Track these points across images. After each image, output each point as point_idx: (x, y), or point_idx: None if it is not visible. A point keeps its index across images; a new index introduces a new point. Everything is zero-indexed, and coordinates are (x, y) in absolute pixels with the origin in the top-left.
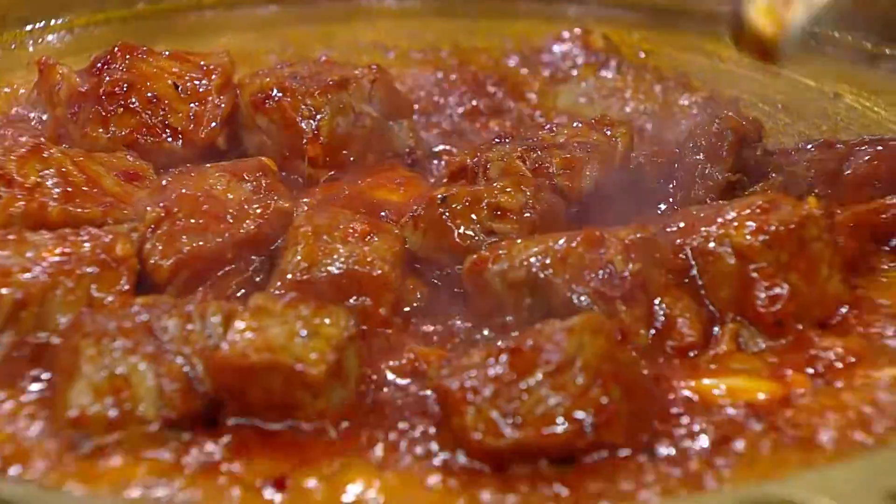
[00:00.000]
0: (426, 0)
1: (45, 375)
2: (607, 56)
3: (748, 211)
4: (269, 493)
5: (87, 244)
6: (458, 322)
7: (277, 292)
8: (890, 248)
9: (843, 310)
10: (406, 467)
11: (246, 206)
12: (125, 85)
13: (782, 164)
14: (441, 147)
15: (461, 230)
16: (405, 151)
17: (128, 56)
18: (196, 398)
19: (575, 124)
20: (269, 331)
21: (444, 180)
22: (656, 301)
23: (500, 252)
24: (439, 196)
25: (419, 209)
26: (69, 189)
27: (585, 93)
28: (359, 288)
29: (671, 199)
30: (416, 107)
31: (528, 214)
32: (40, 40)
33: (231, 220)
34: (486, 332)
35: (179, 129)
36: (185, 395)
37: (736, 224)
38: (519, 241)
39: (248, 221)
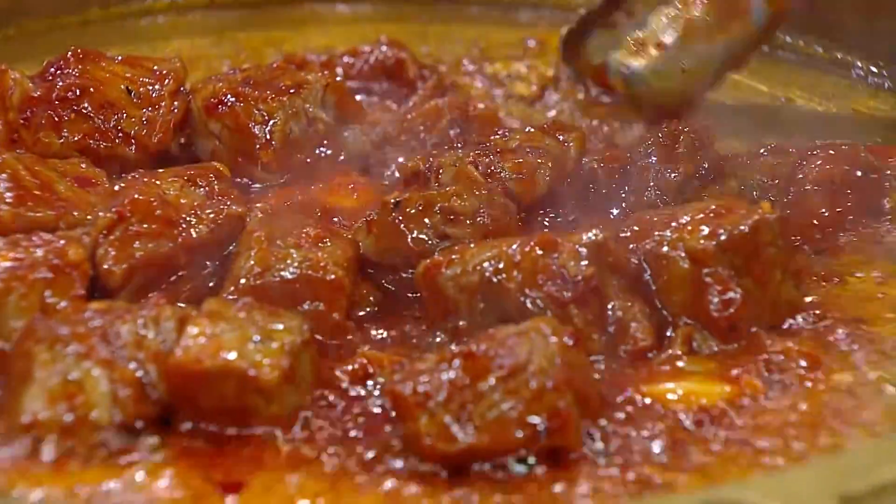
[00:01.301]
0: (378, 5)
1: None
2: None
3: (702, 215)
4: (221, 498)
5: (39, 249)
6: (411, 326)
7: (231, 297)
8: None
9: (797, 314)
10: (360, 473)
11: (199, 211)
12: (78, 90)
13: (735, 169)
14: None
15: (414, 234)
16: (358, 156)
17: (81, 61)
18: (149, 403)
19: (527, 129)
20: (222, 336)
21: (398, 185)
22: (609, 305)
23: (454, 257)
24: (392, 200)
25: (372, 214)
26: (21, 193)
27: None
28: (312, 293)
29: (624, 204)
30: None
31: (480, 219)
32: None
33: (184, 225)
34: (439, 337)
35: (132, 134)
36: (139, 400)
37: (689, 228)
38: (472, 245)
39: (201, 226)
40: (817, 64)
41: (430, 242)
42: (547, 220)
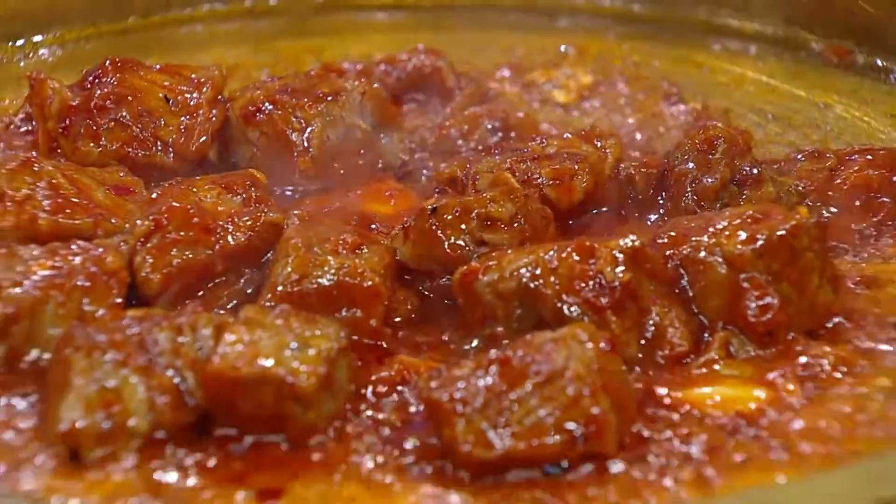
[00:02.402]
0: (416, 13)
1: (36, 389)
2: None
3: (739, 220)
4: (263, 501)
5: (77, 257)
6: (449, 333)
7: (268, 304)
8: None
9: (835, 319)
10: (397, 479)
11: (236, 219)
12: (116, 99)
13: (773, 174)
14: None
15: (451, 241)
16: (396, 164)
17: (119, 70)
18: (187, 410)
19: (565, 136)
20: (259, 343)
21: (435, 192)
22: (647, 310)
23: (491, 263)
24: (429, 207)
25: (409, 220)
26: (60, 201)
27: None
28: (349, 300)
29: (661, 210)
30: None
31: (517, 225)
32: (31, 55)
33: (221, 233)
34: (476, 343)
35: (170, 142)
36: (176, 407)
37: (727, 233)
38: (509, 251)
39: (238, 234)
40: (856, 69)
41: (467, 249)
42: (584, 226)
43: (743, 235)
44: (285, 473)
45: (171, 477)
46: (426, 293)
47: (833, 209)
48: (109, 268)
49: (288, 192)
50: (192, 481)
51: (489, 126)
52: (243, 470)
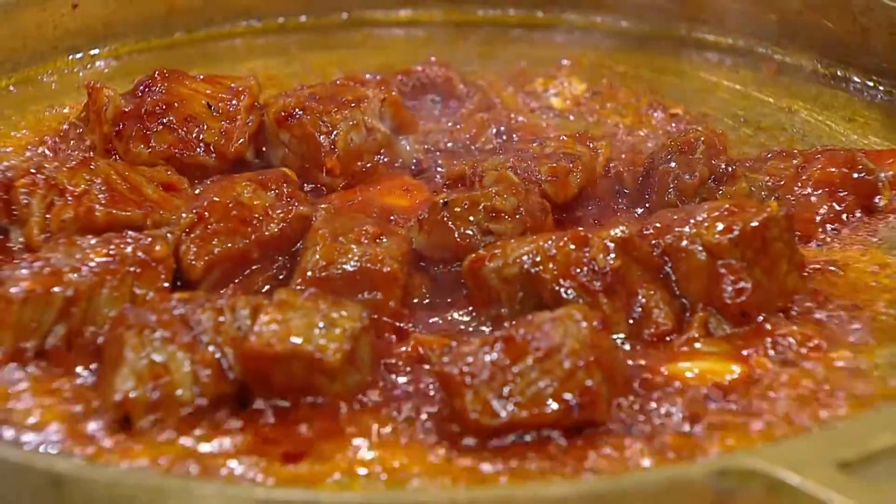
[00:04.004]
0: (430, 29)
1: (93, 363)
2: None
3: (717, 213)
4: (290, 464)
5: (129, 246)
6: (459, 313)
7: (299, 288)
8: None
9: (801, 301)
10: (412, 442)
11: (270, 212)
12: (164, 105)
13: (746, 172)
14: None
15: (461, 231)
16: (411, 162)
17: (166, 79)
18: (227, 382)
19: (561, 138)
20: (291, 322)
21: (445, 188)
22: (634, 293)
23: (496, 251)
24: (441, 200)
25: (424, 213)
26: (114, 195)
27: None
28: (371, 284)
29: (647, 203)
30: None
31: (519, 216)
32: (89, 66)
33: (257, 224)
34: (483, 322)
35: (212, 144)
36: (217, 379)
37: (706, 225)
38: (512, 240)
39: (272, 225)
40: (818, 79)
41: (475, 238)
42: (578, 218)
43: (720, 226)
44: (311, 437)
45: (210, 441)
46: (439, 278)
47: (799, 203)
48: (158, 255)
49: (315, 188)
50: (227, 445)
51: (494, 130)
52: (272, 435)
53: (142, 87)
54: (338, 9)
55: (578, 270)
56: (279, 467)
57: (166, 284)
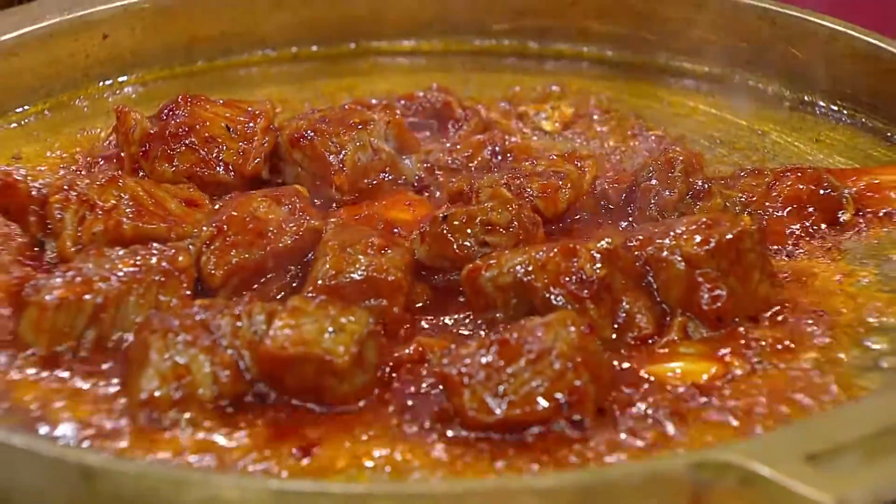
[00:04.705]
0: (430, 58)
1: (121, 365)
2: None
3: (694, 226)
4: (301, 458)
5: (154, 257)
6: (457, 318)
7: (310, 295)
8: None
9: (772, 307)
10: (414, 437)
11: (284, 225)
12: (186, 128)
13: (721, 189)
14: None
15: (459, 242)
16: (414, 179)
17: (189, 104)
18: (244, 382)
19: (551, 157)
20: (303, 327)
21: (446, 203)
22: (619, 300)
23: (491, 261)
24: (441, 215)
25: (425, 226)
26: (140, 210)
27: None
28: (376, 291)
29: (630, 217)
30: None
31: (512, 229)
32: (118, 92)
33: (272, 237)
34: (479, 327)
35: (230, 163)
36: (235, 380)
37: (685, 237)
38: (506, 252)
39: (285, 237)
40: (787, 103)
41: (472, 249)
42: (567, 230)
43: (698, 238)
44: (321, 433)
45: (228, 437)
46: (439, 286)
47: (770, 217)
48: (180, 265)
49: (325, 203)
50: (244, 440)
51: (489, 150)
52: (286, 431)
53: (166, 111)
54: (346, 39)
55: (567, 279)
56: (292, 461)
57: (188, 292)
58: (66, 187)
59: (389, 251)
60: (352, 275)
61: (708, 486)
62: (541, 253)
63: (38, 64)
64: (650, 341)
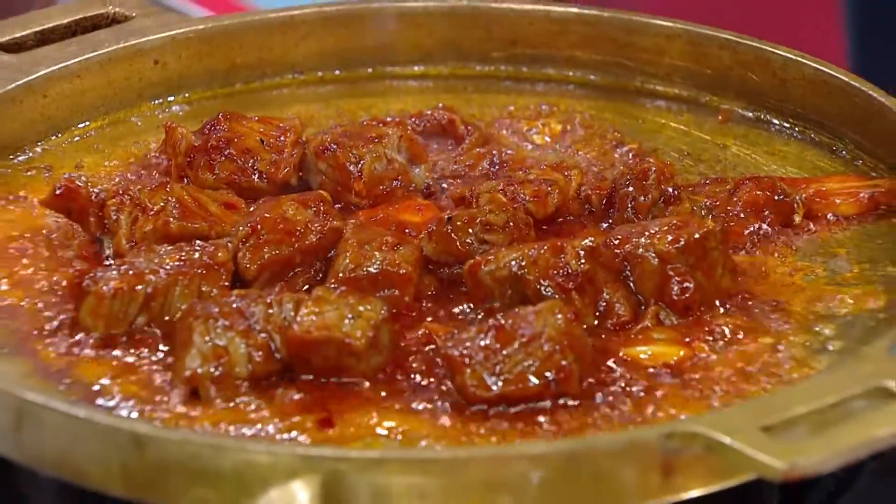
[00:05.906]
0: (436, 80)
1: (168, 347)
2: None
3: (666, 227)
4: (323, 428)
5: (197, 253)
6: (460, 307)
7: (332, 286)
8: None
9: (733, 298)
10: (422, 411)
11: (310, 226)
12: (226, 141)
13: (688, 195)
14: (446, 183)
15: (462, 240)
16: (423, 186)
17: (228, 120)
18: (274, 362)
19: (542, 167)
20: (326, 314)
21: (450, 206)
22: (600, 291)
23: (490, 257)
24: (446, 216)
25: (432, 226)
26: (185, 211)
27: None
28: (390, 283)
29: (610, 220)
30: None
31: (508, 229)
32: (167, 110)
33: (299, 235)
34: (479, 314)
35: (264, 171)
36: (267, 360)
37: (658, 236)
38: (503, 249)
39: (311, 236)
40: (746, 121)
41: (473, 246)
42: (555, 231)
43: (669, 238)
44: (341, 407)
45: (260, 410)
46: (444, 278)
47: (731, 219)
48: (220, 260)
49: (346, 207)
50: (274, 413)
51: (488, 161)
52: (310, 405)
53: (208, 127)
54: (365, 65)
55: (555, 273)
56: (315, 431)
57: (227, 283)
58: (121, 192)
59: (401, 248)
60: (368, 268)
61: (677, 453)
62: (533, 250)
63: (98, 85)
64: (627, 327)
